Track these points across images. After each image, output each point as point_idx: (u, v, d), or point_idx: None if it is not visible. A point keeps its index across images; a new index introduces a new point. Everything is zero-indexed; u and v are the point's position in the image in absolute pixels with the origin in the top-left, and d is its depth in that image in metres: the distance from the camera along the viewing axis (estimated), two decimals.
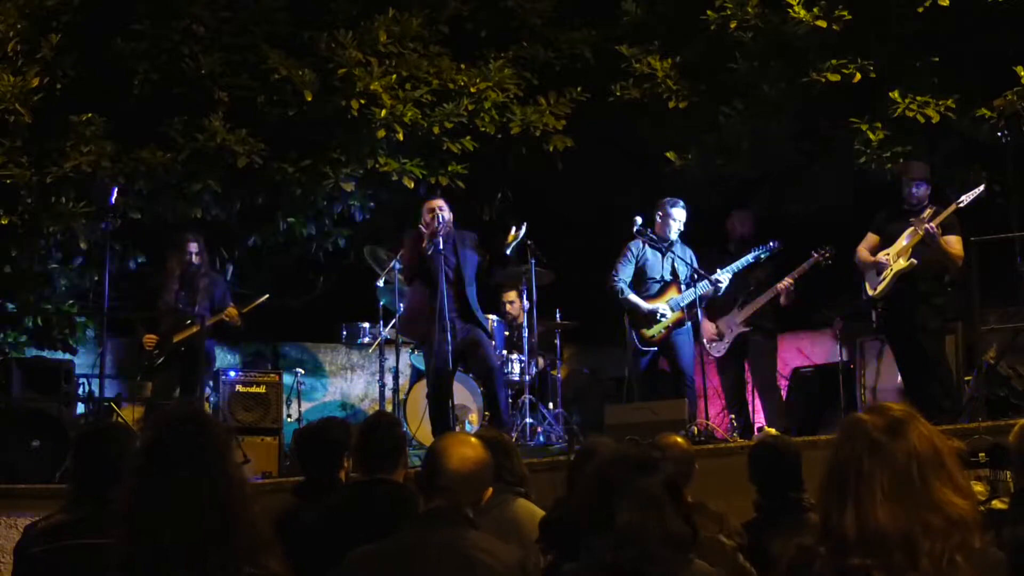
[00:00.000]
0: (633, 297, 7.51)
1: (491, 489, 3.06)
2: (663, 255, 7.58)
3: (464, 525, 2.88)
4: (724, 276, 7.45)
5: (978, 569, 1.98)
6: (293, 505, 3.98)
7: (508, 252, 7.46)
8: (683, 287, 7.51)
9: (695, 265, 7.59)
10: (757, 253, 7.57)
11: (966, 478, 2.10)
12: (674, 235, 7.58)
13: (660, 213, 7.57)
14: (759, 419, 8.29)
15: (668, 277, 7.57)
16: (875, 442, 2.07)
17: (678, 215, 7.54)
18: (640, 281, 7.57)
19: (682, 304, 7.48)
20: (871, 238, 7.20)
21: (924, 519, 1.98)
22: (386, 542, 2.91)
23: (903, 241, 6.93)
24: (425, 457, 3.09)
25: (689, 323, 7.55)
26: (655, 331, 7.48)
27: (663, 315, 7.47)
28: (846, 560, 2.01)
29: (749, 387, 8.12)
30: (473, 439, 3.09)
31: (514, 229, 7.40)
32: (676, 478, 2.75)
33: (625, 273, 7.56)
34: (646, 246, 7.58)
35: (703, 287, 7.45)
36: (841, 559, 2.01)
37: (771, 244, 7.60)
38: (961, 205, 6.85)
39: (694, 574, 2.61)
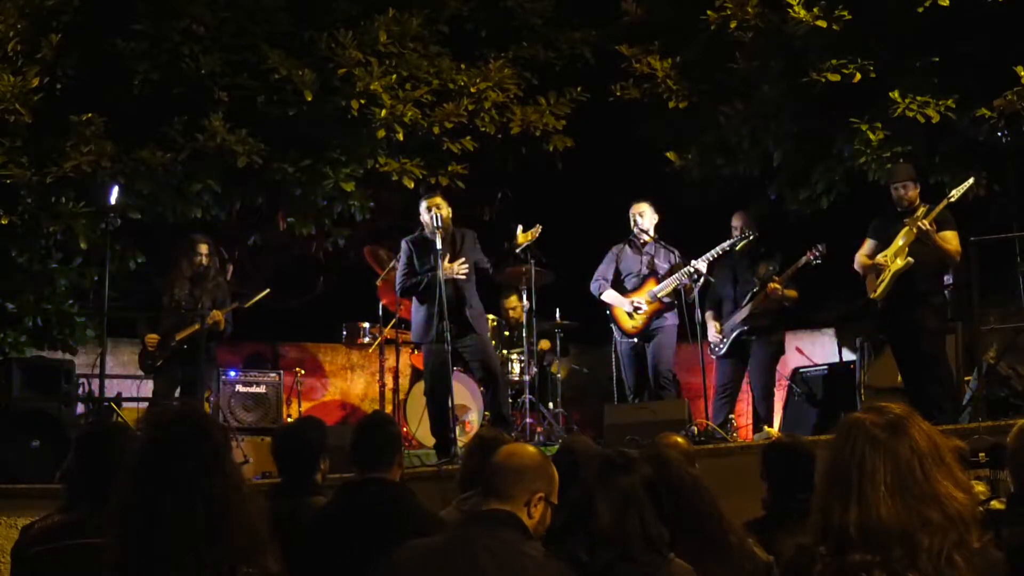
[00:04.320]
0: (609, 292, 7.77)
1: (542, 493, 2.96)
2: (641, 252, 7.77)
3: (514, 529, 2.83)
4: (701, 264, 7.54)
5: (976, 568, 1.98)
6: (276, 507, 3.95)
7: (518, 252, 7.58)
8: (660, 279, 7.67)
9: (679, 262, 7.70)
10: (733, 242, 7.66)
11: (966, 475, 2.11)
12: (647, 231, 7.75)
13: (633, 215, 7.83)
14: (745, 420, 8.32)
15: (646, 271, 7.75)
16: (876, 439, 2.08)
17: (635, 210, 7.78)
18: (620, 278, 7.82)
19: (658, 294, 7.63)
20: (868, 243, 7.20)
21: (924, 514, 1.99)
22: (431, 540, 2.90)
23: (899, 241, 6.93)
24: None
25: (673, 317, 7.63)
26: (633, 323, 7.67)
27: (638, 306, 7.64)
28: (847, 557, 2.01)
29: (744, 389, 8.14)
30: (532, 448, 3.08)
31: (520, 229, 7.45)
32: (654, 478, 2.74)
33: (604, 272, 7.86)
34: (625, 246, 7.84)
35: (682, 276, 7.53)
36: (842, 556, 2.02)
37: (746, 234, 7.68)
38: (952, 199, 6.85)
39: (672, 574, 2.60)
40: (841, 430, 2.16)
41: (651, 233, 7.78)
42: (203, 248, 7.94)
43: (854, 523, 2.02)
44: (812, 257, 7.58)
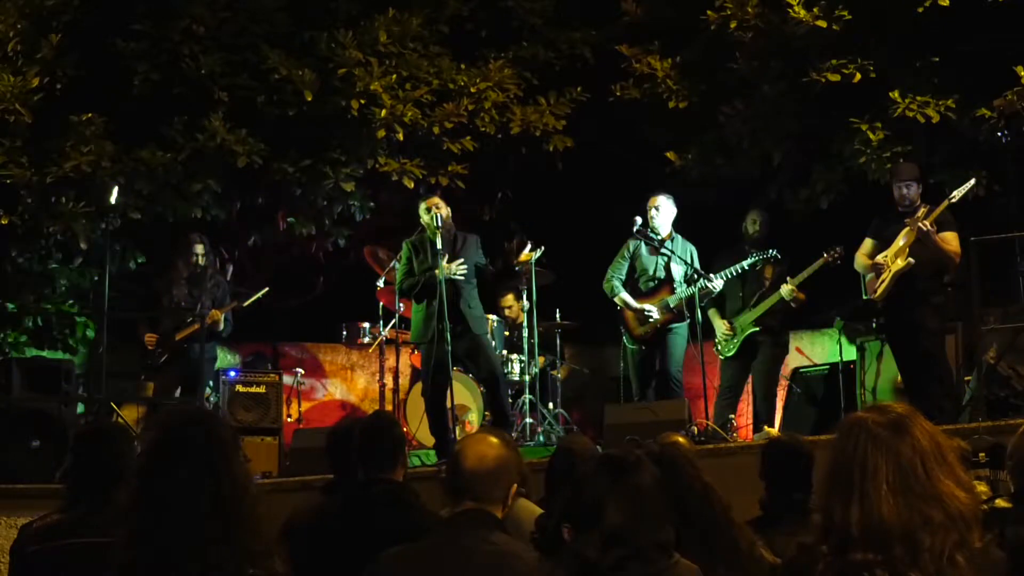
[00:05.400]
0: (624, 295, 7.65)
1: (515, 487, 3.00)
2: (658, 253, 7.63)
3: (492, 527, 2.86)
4: (717, 280, 7.48)
5: (978, 568, 1.98)
6: (320, 503, 3.97)
7: (516, 268, 7.54)
8: (676, 287, 7.57)
9: (695, 262, 7.62)
10: (753, 260, 7.57)
11: (968, 474, 2.11)
12: (663, 229, 7.63)
13: (648, 208, 7.68)
14: (745, 420, 8.30)
15: (662, 275, 7.65)
16: (879, 438, 2.08)
17: (654, 203, 7.62)
18: (634, 279, 7.70)
19: (672, 305, 7.54)
20: (868, 243, 7.19)
21: (926, 513, 1.99)
22: (416, 544, 2.91)
23: (899, 241, 6.92)
24: (447, 460, 3.09)
25: (683, 323, 7.60)
26: (643, 329, 7.59)
27: (650, 314, 7.56)
28: (849, 556, 2.01)
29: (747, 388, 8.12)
30: (493, 438, 3.07)
31: (529, 247, 7.44)
32: (661, 478, 2.73)
33: (619, 271, 7.71)
34: (641, 244, 7.67)
35: (698, 285, 7.47)
36: (844, 556, 2.02)
37: (769, 253, 7.60)
38: (953, 200, 6.84)
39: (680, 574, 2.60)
40: (843, 429, 2.16)
41: (668, 229, 7.66)
42: (198, 248, 7.93)
43: (856, 522, 2.02)
44: (831, 259, 7.48)
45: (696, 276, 7.50)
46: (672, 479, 2.86)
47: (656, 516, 2.58)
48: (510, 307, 9.03)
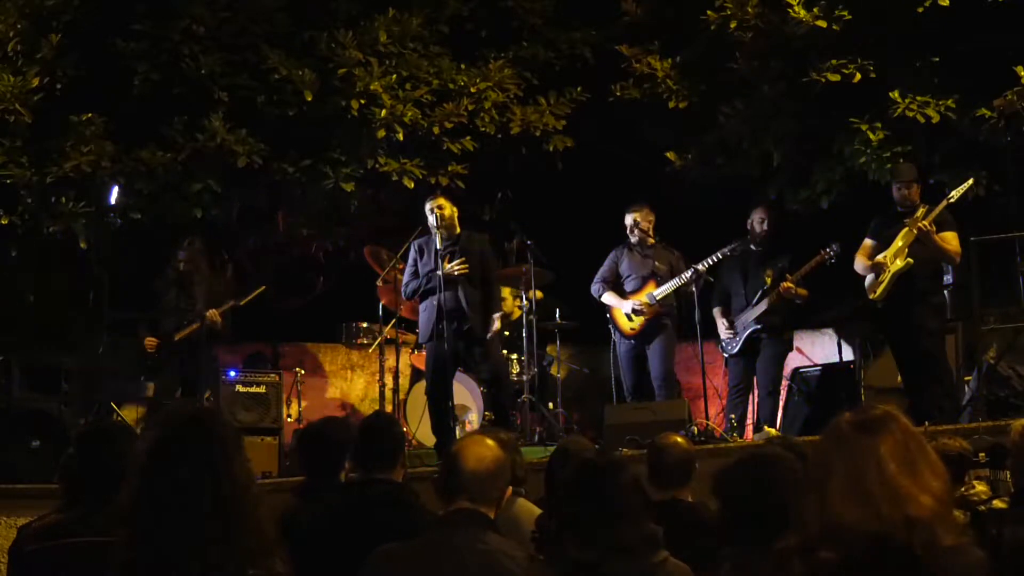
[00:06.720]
0: (609, 294, 7.83)
1: (510, 489, 3.04)
2: (642, 255, 7.82)
3: (484, 527, 2.88)
4: (700, 266, 7.60)
5: (948, 569, 1.98)
6: (294, 505, 3.98)
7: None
8: (660, 282, 7.71)
9: (679, 264, 7.73)
10: (733, 247, 7.67)
11: (943, 480, 2.09)
12: (644, 232, 7.80)
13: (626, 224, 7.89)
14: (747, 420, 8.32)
15: (646, 273, 7.80)
16: (842, 439, 2.10)
17: (627, 219, 7.84)
18: (620, 280, 7.88)
19: (658, 297, 7.67)
20: (868, 244, 7.20)
21: (882, 513, 1.99)
22: (410, 542, 2.92)
23: (899, 242, 6.93)
24: (443, 460, 3.11)
25: (670, 320, 7.70)
26: (632, 324, 7.73)
27: (637, 309, 7.69)
28: (815, 554, 2.02)
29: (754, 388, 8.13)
30: (489, 440, 3.09)
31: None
32: (639, 479, 2.76)
33: (604, 274, 7.93)
34: (625, 248, 7.90)
35: (682, 279, 7.58)
36: (810, 554, 2.03)
37: (745, 241, 7.74)
38: (952, 200, 6.85)
39: (669, 573, 2.62)
40: (824, 430, 2.19)
41: (650, 235, 7.79)
42: (181, 254, 7.95)
43: (817, 520, 2.04)
44: (827, 256, 7.51)
45: (680, 267, 7.58)
46: (769, 476, 2.84)
47: (633, 515, 2.60)
48: (503, 299, 9.02)
